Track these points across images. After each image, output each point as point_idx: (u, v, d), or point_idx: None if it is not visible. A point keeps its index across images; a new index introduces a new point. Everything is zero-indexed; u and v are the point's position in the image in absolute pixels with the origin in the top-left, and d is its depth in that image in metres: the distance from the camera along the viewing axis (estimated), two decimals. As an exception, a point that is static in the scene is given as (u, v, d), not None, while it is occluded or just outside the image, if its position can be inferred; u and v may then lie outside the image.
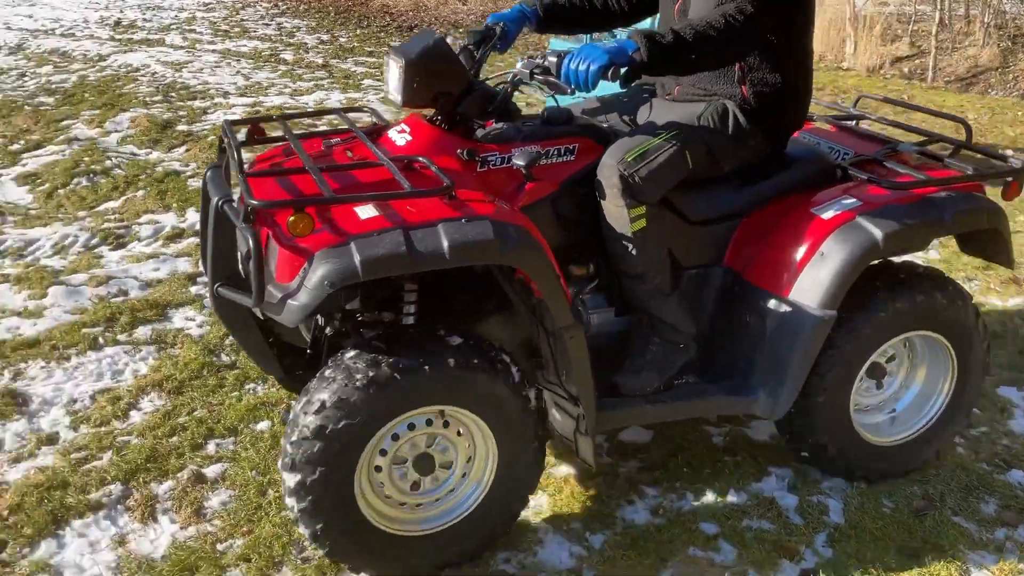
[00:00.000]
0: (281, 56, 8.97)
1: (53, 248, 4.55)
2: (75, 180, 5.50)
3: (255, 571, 2.49)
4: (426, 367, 2.23)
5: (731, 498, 2.81)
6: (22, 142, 6.25)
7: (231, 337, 2.50)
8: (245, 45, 9.55)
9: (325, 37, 10.07)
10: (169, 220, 4.89)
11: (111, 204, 5.17)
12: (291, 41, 9.82)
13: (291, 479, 2.22)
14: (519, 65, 2.61)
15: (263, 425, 3.10)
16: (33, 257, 4.45)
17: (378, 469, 2.35)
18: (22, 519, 2.64)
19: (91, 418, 3.13)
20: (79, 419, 3.13)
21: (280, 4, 12.30)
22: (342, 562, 2.41)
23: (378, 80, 7.94)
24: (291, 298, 2.14)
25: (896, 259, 2.77)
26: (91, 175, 5.56)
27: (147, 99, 7.27)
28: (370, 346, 2.26)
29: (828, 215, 2.56)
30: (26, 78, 8.22)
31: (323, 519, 2.25)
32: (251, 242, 2.12)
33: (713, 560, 2.57)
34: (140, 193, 5.28)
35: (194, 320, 3.81)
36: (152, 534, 2.61)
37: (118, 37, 10.08)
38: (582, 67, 2.32)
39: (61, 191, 5.36)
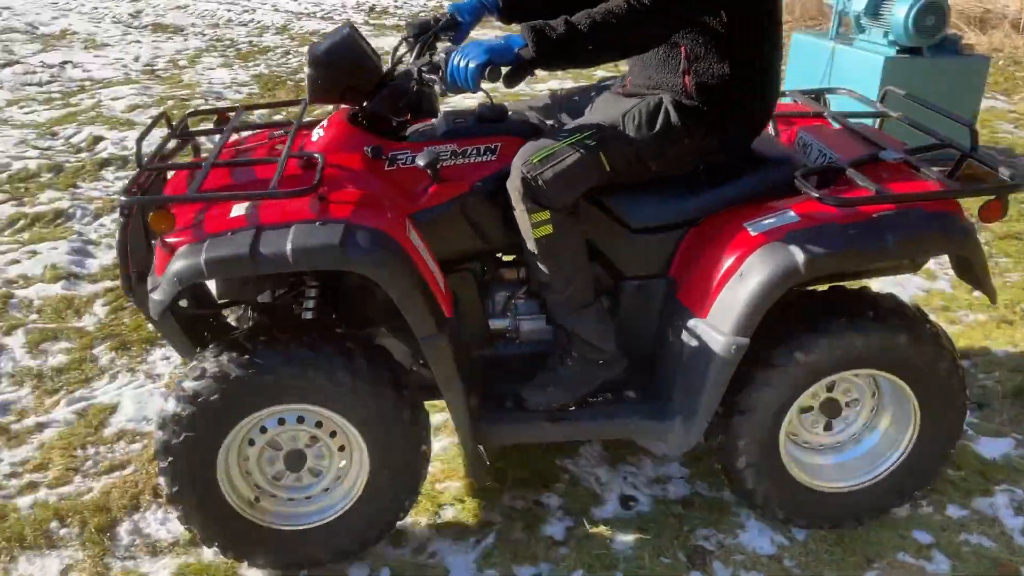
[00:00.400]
0: (519, 44, 9.28)
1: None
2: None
3: (467, 512, 2.68)
4: (286, 365, 2.21)
5: (950, 511, 2.68)
6: (284, 113, 6.84)
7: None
8: (487, 35, 9.94)
9: (562, 27, 10.32)
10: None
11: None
12: (529, 30, 10.13)
13: (159, 461, 2.28)
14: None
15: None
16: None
17: (248, 458, 2.38)
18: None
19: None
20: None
21: None
22: (209, 545, 2.42)
23: (613, 72, 8.03)
24: (153, 292, 2.20)
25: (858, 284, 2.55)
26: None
27: (395, 79, 7.76)
28: (237, 340, 2.27)
29: (756, 231, 2.29)
30: (289, 56, 8.98)
31: (187, 503, 2.31)
32: (118, 234, 2.25)
33: (924, 569, 2.48)
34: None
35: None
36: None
37: (372, 22, 10.79)
38: (462, 64, 2.16)
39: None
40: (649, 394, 2.54)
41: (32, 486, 2.80)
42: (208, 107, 3.25)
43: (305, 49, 9.00)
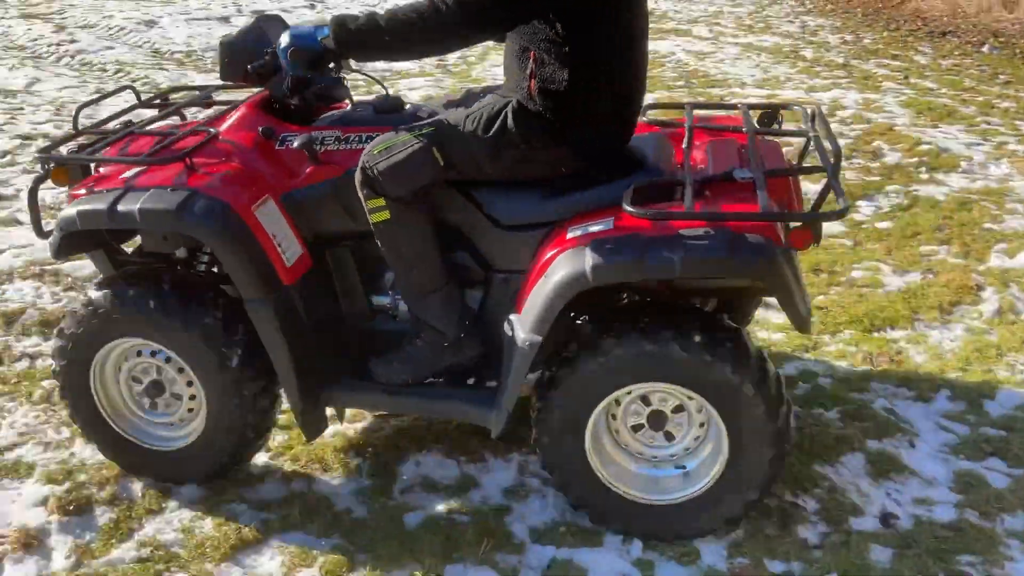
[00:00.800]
0: (801, 53, 9.04)
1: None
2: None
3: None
4: (133, 303, 2.57)
5: None
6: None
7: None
8: (767, 40, 9.78)
9: (849, 37, 9.91)
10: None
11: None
12: (813, 39, 9.84)
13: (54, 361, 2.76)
14: None
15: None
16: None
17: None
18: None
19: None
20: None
21: (806, 3, 12.34)
22: (87, 441, 2.92)
23: (900, 83, 7.68)
24: (51, 236, 2.63)
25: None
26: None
27: (671, 83, 7.84)
28: (115, 277, 2.70)
29: (571, 235, 2.35)
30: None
31: (69, 403, 2.79)
32: (31, 183, 2.67)
33: None
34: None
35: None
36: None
37: (651, 25, 10.92)
38: (279, 47, 2.42)
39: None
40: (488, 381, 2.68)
41: (332, 418, 3.17)
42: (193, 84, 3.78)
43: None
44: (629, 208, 2.23)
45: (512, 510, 2.73)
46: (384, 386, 2.69)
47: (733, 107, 2.96)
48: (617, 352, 2.37)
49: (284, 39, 2.43)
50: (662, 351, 2.33)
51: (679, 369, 2.36)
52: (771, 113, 2.84)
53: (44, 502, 2.74)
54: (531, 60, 2.37)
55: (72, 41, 9.10)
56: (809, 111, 2.78)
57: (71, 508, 2.70)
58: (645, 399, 2.51)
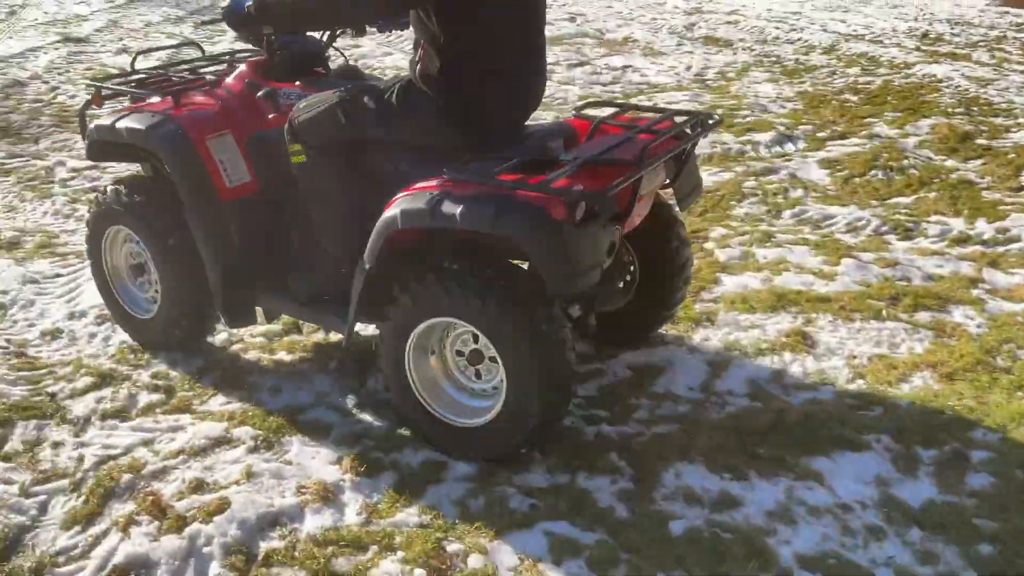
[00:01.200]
0: (1101, 84, 8.24)
1: (847, 226, 5.04)
2: (871, 172, 5.92)
3: (1002, 559, 2.58)
4: (127, 199, 3.39)
5: None
6: (827, 132, 6.92)
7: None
8: None
9: None
10: (957, 225, 5.00)
11: (902, 199, 5.47)
12: (1115, 70, 8.93)
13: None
14: None
15: (1034, 433, 3.11)
16: (829, 230, 5.01)
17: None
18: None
19: (867, 375, 3.49)
20: (857, 372, 3.52)
21: (1107, 30, 11.20)
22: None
23: None
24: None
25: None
26: (887, 170, 5.93)
27: (948, 109, 7.38)
28: (124, 180, 3.50)
29: (416, 185, 2.72)
30: (835, 76, 8.97)
31: (91, 260, 3.73)
32: (82, 106, 3.54)
33: None
34: (932, 195, 5.48)
35: (973, 320, 3.91)
36: (912, 486, 2.88)
37: (924, 48, 10.31)
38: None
39: (857, 179, 5.84)
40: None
41: (595, 419, 3.29)
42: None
43: (852, 71, 8.98)
44: (446, 171, 2.67)
45: (777, 532, 2.70)
46: (293, 297, 3.26)
47: (663, 111, 3.28)
48: (428, 288, 2.76)
49: (225, 0, 3.02)
50: (458, 293, 2.71)
51: (470, 311, 2.72)
52: (699, 120, 3.13)
53: (338, 461, 3.01)
54: (420, 49, 2.80)
55: (356, 46, 9.87)
56: (716, 117, 3.19)
57: (361, 470, 2.96)
58: (476, 337, 2.86)
